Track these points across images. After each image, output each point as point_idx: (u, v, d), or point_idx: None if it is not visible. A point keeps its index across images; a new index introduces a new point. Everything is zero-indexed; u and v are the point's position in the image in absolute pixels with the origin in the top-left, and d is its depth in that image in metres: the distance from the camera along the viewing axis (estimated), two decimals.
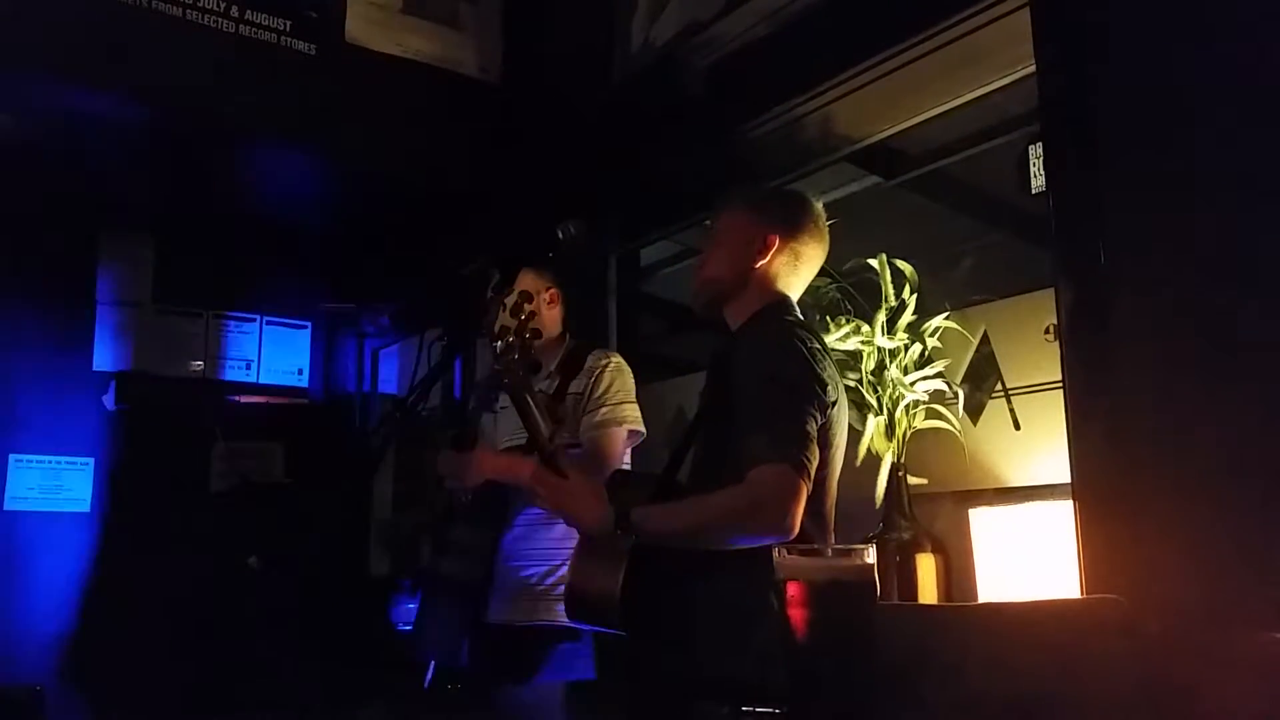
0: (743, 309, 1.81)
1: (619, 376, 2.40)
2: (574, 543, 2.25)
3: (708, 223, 1.90)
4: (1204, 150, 1.68)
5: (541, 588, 2.37)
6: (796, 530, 1.49)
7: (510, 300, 1.68)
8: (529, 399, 1.68)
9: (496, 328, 1.66)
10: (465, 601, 2.40)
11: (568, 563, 2.28)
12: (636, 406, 2.41)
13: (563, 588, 2.28)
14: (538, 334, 1.75)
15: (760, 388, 1.60)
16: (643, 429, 2.41)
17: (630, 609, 1.57)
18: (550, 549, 2.40)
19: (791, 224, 1.84)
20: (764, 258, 1.80)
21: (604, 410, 2.35)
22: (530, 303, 1.72)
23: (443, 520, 2.52)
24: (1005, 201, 2.72)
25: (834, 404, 1.68)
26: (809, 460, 1.53)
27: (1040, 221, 1.93)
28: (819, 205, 1.91)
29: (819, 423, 1.60)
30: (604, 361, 2.40)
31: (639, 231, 3.34)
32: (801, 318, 1.87)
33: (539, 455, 1.70)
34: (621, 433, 2.34)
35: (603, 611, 1.60)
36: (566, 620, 2.25)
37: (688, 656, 1.58)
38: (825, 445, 1.63)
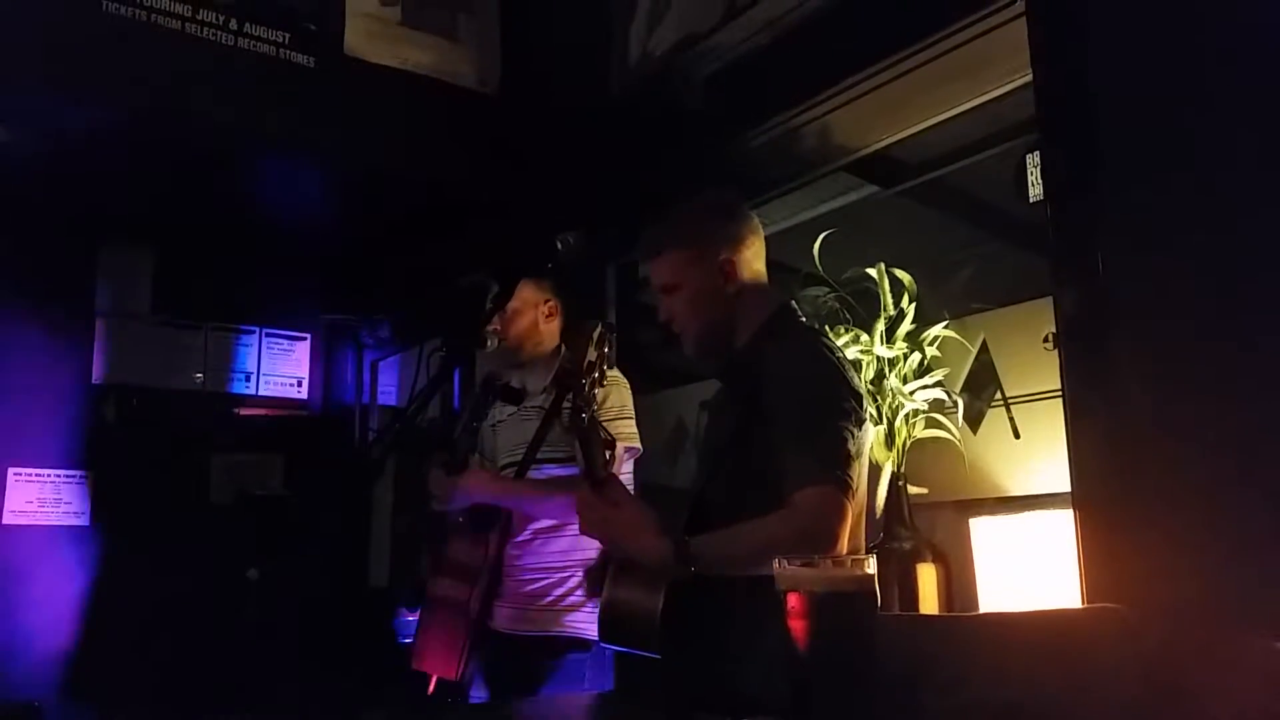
0: (743, 328, 1.77)
1: (614, 392, 2.36)
2: (581, 555, 2.34)
3: (642, 268, 1.84)
4: (1202, 158, 1.67)
5: (549, 599, 2.37)
6: (844, 549, 1.49)
7: (596, 333, 1.67)
8: (597, 430, 1.66)
9: (585, 361, 1.64)
10: (462, 619, 2.39)
11: (575, 575, 2.35)
12: (633, 423, 2.37)
13: (570, 599, 2.34)
14: (610, 365, 1.74)
15: (798, 406, 1.57)
16: (639, 445, 2.38)
17: (669, 630, 1.53)
18: (557, 561, 2.40)
19: (733, 237, 1.78)
20: (733, 283, 1.75)
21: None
22: (612, 334, 1.73)
23: (438, 539, 2.52)
24: (1003, 210, 2.72)
25: (865, 426, 1.66)
26: (852, 478, 1.52)
27: (1038, 230, 1.93)
28: (731, 194, 1.86)
29: (856, 438, 1.57)
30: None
31: (637, 242, 3.31)
32: (807, 321, 1.86)
33: (590, 483, 1.64)
34: (615, 452, 2.27)
35: (641, 633, 1.56)
36: (573, 631, 2.31)
37: (735, 678, 1.54)
38: (856, 458, 1.60)
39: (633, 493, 2.27)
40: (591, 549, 2.30)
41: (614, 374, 2.39)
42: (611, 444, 1.70)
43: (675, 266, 1.77)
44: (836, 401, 1.58)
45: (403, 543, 3.71)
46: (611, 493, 1.62)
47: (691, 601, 1.54)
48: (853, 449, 1.54)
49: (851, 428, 1.56)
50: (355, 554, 4.58)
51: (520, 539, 2.44)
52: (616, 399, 2.36)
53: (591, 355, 1.65)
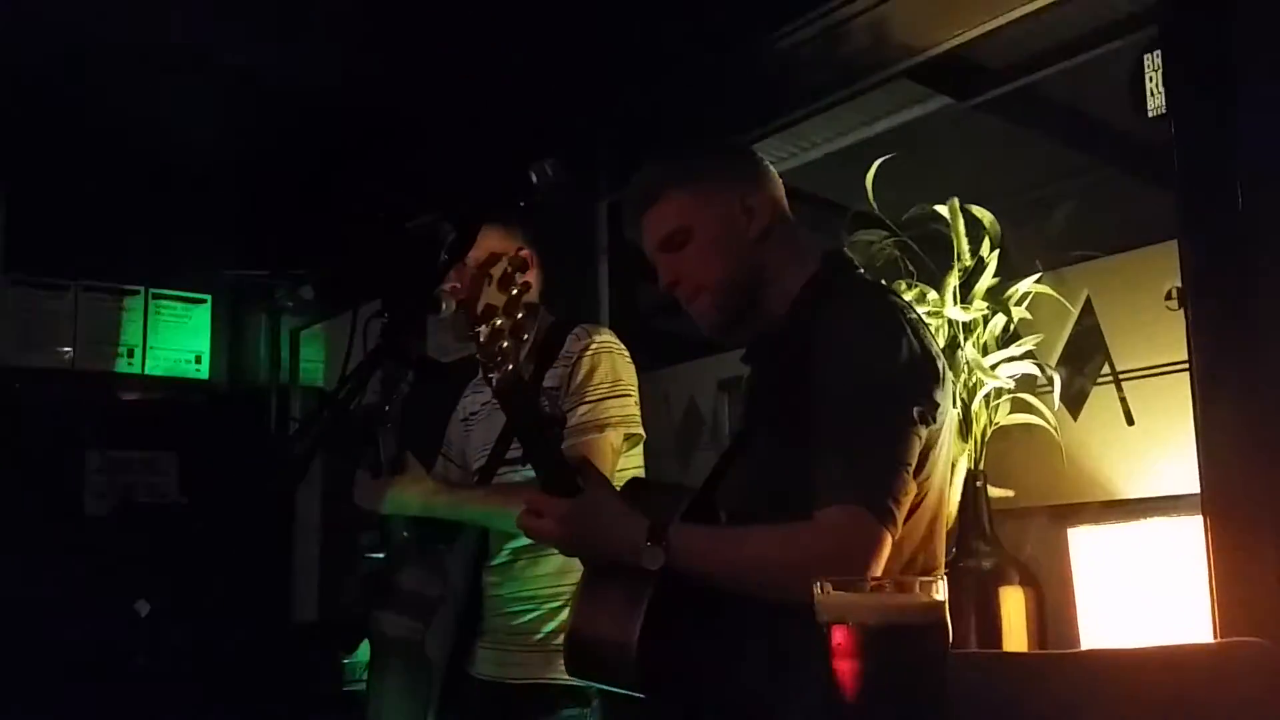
0: (777, 287, 1.76)
1: (604, 360, 2.36)
2: (574, 579, 2.23)
3: (631, 235, 1.85)
4: None
5: (538, 637, 2.39)
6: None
7: (497, 270, 1.64)
8: (525, 401, 1.67)
9: (480, 307, 1.62)
10: (422, 665, 2.40)
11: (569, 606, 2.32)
12: (631, 400, 2.37)
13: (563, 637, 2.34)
14: (532, 312, 1.72)
15: (847, 389, 1.55)
16: (639, 429, 2.38)
17: (650, 663, 1.55)
18: (544, 589, 2.41)
19: (751, 175, 1.81)
20: (758, 224, 1.75)
21: (584, 409, 2.30)
22: (524, 272, 1.69)
23: (382, 564, 2.53)
24: (1114, 127, 2.72)
25: (944, 409, 1.61)
26: (899, 502, 1.50)
27: (1159, 153, 1.92)
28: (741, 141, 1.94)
29: (924, 438, 1.55)
30: (585, 342, 2.36)
31: (631, 178, 3.29)
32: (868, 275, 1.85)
33: (540, 478, 1.66)
34: (608, 439, 2.30)
35: (614, 665, 1.59)
36: (569, 677, 2.29)
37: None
38: (929, 451, 1.58)
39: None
40: None
41: (604, 337, 2.40)
42: (558, 420, 1.71)
43: (681, 210, 1.77)
44: (901, 386, 1.56)
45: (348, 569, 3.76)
46: (562, 485, 1.64)
47: (682, 625, 1.55)
48: (912, 455, 1.53)
49: (917, 426, 1.54)
50: (274, 579, 4.56)
51: (497, 562, 2.45)
52: (607, 370, 2.35)
53: (491, 296, 1.62)
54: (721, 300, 1.76)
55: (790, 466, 1.57)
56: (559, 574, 2.38)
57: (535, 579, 2.41)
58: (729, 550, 1.57)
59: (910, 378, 1.56)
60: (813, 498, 1.50)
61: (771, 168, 1.84)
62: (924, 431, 1.55)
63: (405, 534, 2.47)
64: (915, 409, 1.54)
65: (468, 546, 2.47)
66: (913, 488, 1.53)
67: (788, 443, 1.60)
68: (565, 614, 2.31)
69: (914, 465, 1.53)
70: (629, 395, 2.37)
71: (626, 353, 2.42)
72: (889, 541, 1.47)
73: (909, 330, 1.59)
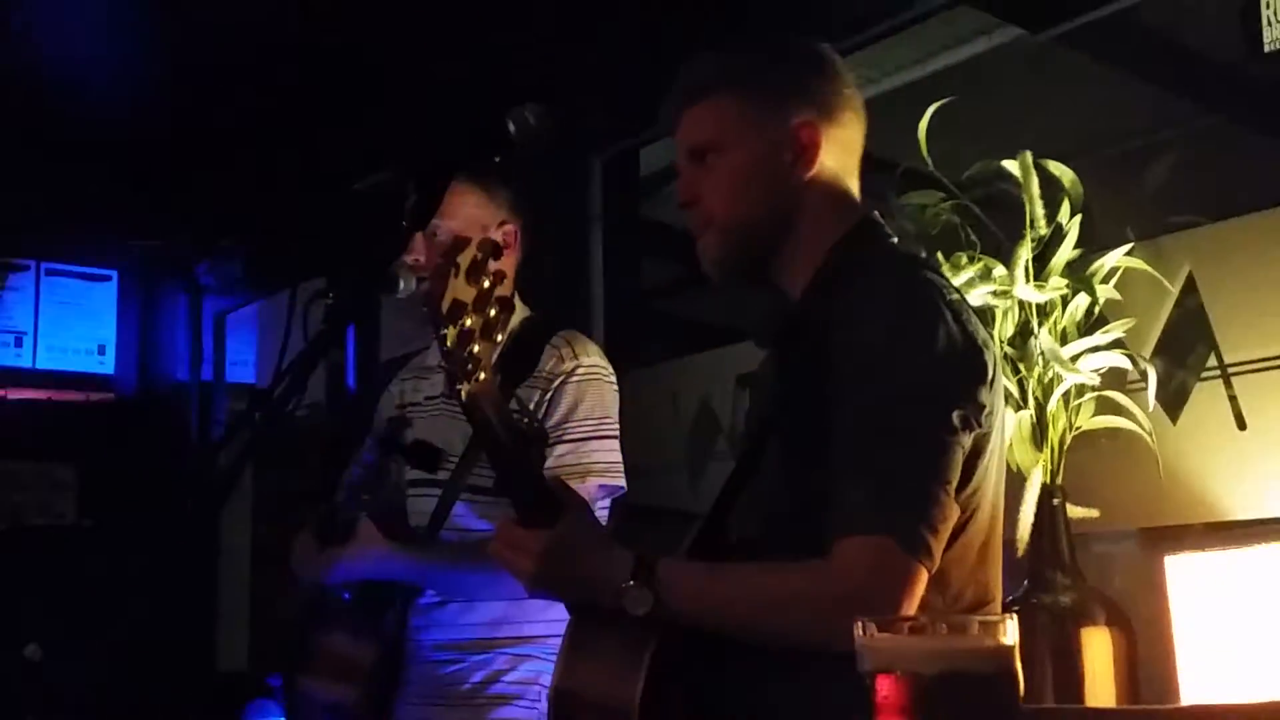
0: (804, 252, 1.75)
1: (592, 391, 2.40)
2: (513, 629, 2.40)
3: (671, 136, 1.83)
4: None
5: (466, 687, 2.43)
6: None
7: (465, 257, 1.62)
8: (502, 416, 1.67)
9: (447, 303, 1.61)
10: None
11: (506, 654, 2.41)
12: (617, 445, 2.42)
13: (498, 687, 2.40)
14: (507, 307, 1.68)
15: (867, 392, 1.56)
16: (621, 482, 2.42)
17: None
18: (480, 635, 2.45)
19: (819, 95, 1.77)
20: (806, 164, 1.73)
21: (563, 450, 2.35)
22: (497, 258, 1.67)
23: (311, 623, 2.57)
24: (1222, 67, 2.69)
25: (992, 409, 1.61)
26: (936, 530, 1.50)
27: (1276, 96, 1.94)
28: (823, 47, 1.84)
29: (967, 446, 1.56)
30: (570, 366, 2.41)
31: (637, 121, 3.26)
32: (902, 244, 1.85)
33: (519, 506, 1.66)
34: (587, 490, 2.29)
35: None
36: None
37: None
38: (975, 461, 1.59)
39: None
40: (534, 616, 2.38)
41: (593, 360, 2.45)
42: (542, 437, 1.73)
43: (722, 115, 1.76)
44: (939, 389, 1.56)
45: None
46: (547, 515, 1.64)
47: (695, 683, 1.56)
48: (950, 473, 1.53)
49: (958, 437, 1.54)
50: (194, 619, 4.54)
51: (423, 601, 2.49)
52: (595, 403, 2.40)
53: (458, 289, 1.61)
54: (732, 243, 1.76)
55: (808, 485, 1.58)
56: (494, 624, 2.43)
57: (468, 626, 2.44)
58: (728, 592, 1.57)
59: (948, 374, 1.57)
60: (829, 526, 1.50)
61: (856, 99, 1.80)
62: (967, 439, 1.55)
63: (346, 595, 2.51)
64: (956, 413, 1.54)
65: (398, 609, 2.49)
66: (954, 509, 1.53)
67: (806, 454, 1.61)
68: (500, 662, 2.41)
69: (955, 481, 1.53)
70: (615, 438, 2.41)
71: (613, 378, 2.46)
72: (923, 578, 1.48)
73: (948, 314, 1.59)
